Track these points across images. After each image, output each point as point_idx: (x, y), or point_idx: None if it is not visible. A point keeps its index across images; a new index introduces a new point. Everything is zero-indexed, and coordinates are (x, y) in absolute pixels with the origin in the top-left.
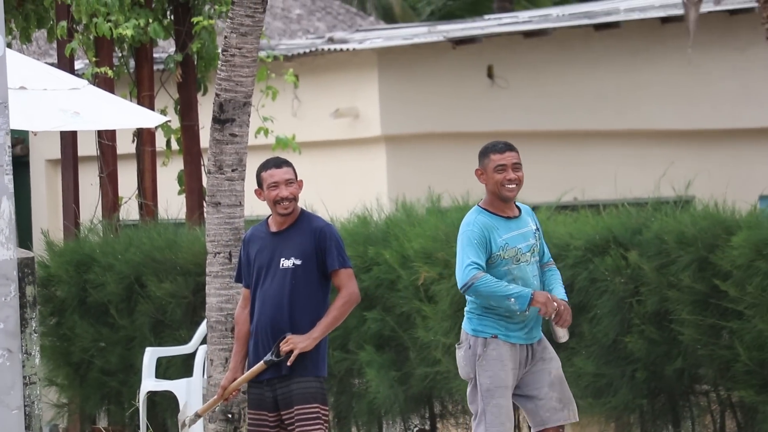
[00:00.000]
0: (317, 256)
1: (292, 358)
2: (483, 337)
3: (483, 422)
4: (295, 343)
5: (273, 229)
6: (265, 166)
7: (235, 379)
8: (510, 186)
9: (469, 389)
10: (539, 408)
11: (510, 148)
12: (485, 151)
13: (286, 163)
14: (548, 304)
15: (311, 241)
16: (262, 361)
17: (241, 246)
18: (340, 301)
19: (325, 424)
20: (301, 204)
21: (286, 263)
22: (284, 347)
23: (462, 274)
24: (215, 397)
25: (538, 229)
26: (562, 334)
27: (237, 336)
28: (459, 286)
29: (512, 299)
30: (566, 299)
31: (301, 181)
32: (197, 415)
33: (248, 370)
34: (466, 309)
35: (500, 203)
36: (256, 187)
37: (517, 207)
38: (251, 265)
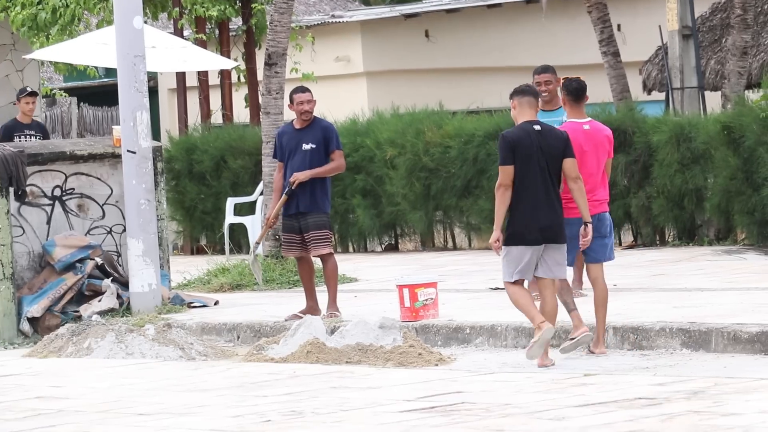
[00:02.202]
0: (324, 142)
1: (294, 184)
2: None
3: None
4: (296, 176)
5: (297, 126)
6: (295, 91)
7: (271, 216)
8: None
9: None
10: None
11: (543, 70)
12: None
13: (307, 90)
14: None
15: (321, 133)
16: (283, 194)
17: (276, 137)
18: (331, 165)
19: (331, 242)
20: (316, 113)
21: (306, 147)
22: (291, 179)
23: None
24: (264, 227)
25: None
26: None
27: (274, 189)
28: None
29: None
30: None
31: (315, 100)
32: (256, 243)
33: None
34: None
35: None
36: (289, 103)
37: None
38: (283, 148)
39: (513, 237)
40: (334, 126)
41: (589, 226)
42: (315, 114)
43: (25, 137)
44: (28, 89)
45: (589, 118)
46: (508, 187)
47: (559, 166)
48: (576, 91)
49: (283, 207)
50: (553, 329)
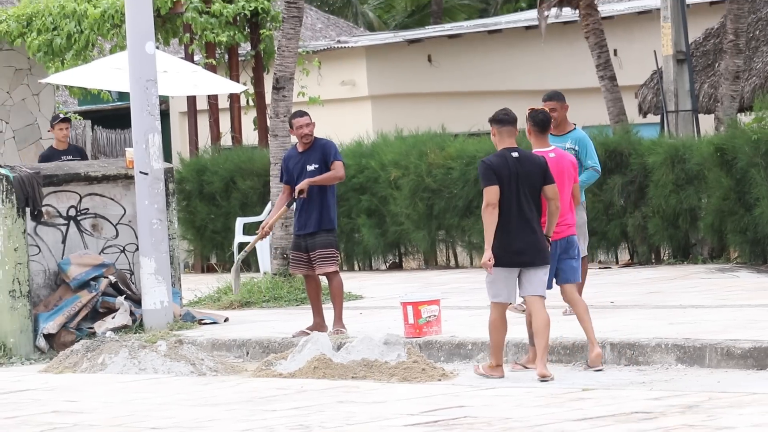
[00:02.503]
0: (323, 159)
1: (297, 193)
2: None
3: None
4: (299, 187)
5: (300, 150)
6: (293, 116)
7: (268, 224)
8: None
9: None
10: None
11: (549, 98)
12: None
13: (305, 114)
14: None
15: (320, 151)
16: (284, 205)
17: (282, 161)
18: (331, 174)
19: (337, 260)
20: (322, 135)
21: (310, 168)
22: (296, 189)
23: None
24: (257, 235)
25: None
26: None
27: (277, 205)
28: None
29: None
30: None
31: (314, 123)
32: (245, 252)
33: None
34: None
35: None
36: (289, 128)
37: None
38: (289, 171)
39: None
40: (332, 141)
41: (548, 241)
42: (321, 136)
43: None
44: (61, 116)
45: (553, 146)
46: (495, 206)
47: (537, 192)
48: (542, 123)
49: (294, 227)
50: (503, 378)
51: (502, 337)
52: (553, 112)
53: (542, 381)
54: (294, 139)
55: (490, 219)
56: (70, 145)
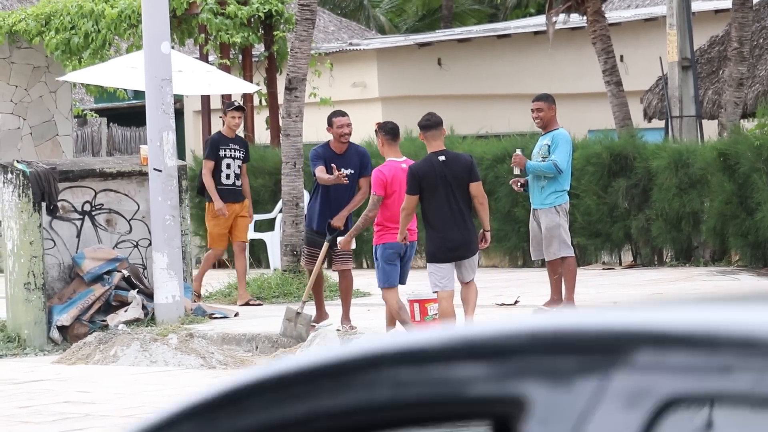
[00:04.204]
0: (361, 166)
1: (335, 227)
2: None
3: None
4: (335, 224)
5: (337, 151)
6: (335, 114)
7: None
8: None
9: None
10: None
11: (538, 98)
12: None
13: (346, 114)
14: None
15: (358, 159)
16: (326, 241)
17: (317, 154)
18: (359, 196)
19: (352, 258)
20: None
21: (346, 171)
22: (333, 225)
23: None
24: (308, 283)
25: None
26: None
27: (327, 180)
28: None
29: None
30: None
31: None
32: (303, 302)
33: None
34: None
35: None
36: (328, 126)
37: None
38: (327, 164)
39: (431, 256)
40: (368, 153)
41: (488, 233)
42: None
43: (230, 150)
44: (236, 103)
45: (405, 158)
46: (410, 213)
47: (465, 190)
48: (391, 131)
49: (314, 224)
50: None
51: (451, 314)
52: (539, 112)
53: None
54: (306, 139)
55: (405, 221)
56: (236, 135)
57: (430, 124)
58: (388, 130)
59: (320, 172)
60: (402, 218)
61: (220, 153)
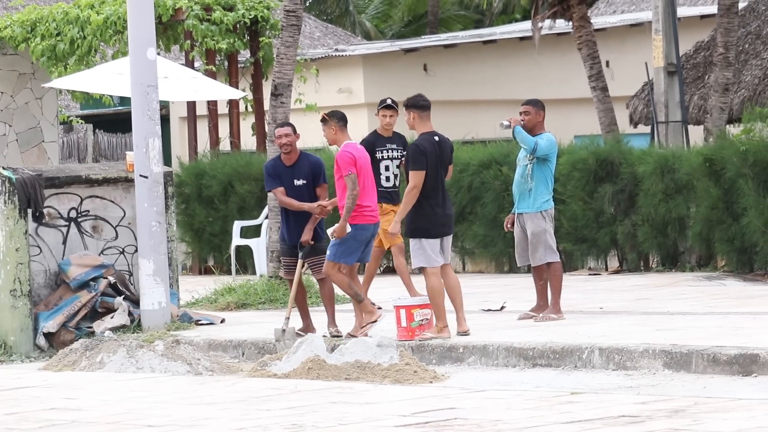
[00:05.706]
0: (313, 176)
1: (306, 244)
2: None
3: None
4: (303, 240)
5: (286, 163)
6: (276, 126)
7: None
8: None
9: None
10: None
11: (527, 102)
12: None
13: (286, 124)
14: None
15: (309, 168)
16: (300, 258)
17: (269, 169)
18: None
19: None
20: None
21: (298, 182)
22: (302, 241)
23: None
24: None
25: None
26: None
27: (296, 206)
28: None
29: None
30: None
31: (297, 135)
32: (286, 318)
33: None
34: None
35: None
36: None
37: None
38: (281, 179)
39: (424, 232)
40: (322, 161)
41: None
42: (309, 146)
43: (386, 151)
44: (388, 101)
45: (355, 141)
46: (419, 189)
47: (446, 170)
48: (343, 118)
49: (286, 238)
50: (450, 336)
51: (443, 299)
52: (526, 115)
53: (464, 335)
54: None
55: (413, 201)
56: (393, 133)
57: (427, 104)
58: (341, 117)
59: (281, 194)
60: (412, 196)
61: (377, 155)
